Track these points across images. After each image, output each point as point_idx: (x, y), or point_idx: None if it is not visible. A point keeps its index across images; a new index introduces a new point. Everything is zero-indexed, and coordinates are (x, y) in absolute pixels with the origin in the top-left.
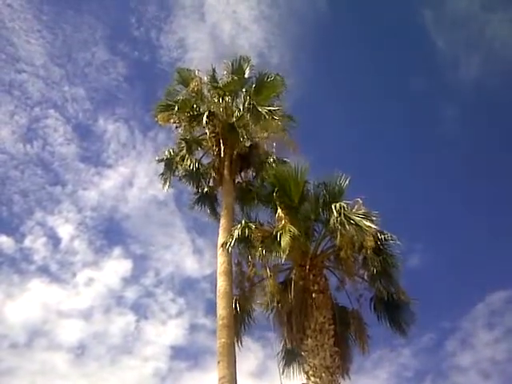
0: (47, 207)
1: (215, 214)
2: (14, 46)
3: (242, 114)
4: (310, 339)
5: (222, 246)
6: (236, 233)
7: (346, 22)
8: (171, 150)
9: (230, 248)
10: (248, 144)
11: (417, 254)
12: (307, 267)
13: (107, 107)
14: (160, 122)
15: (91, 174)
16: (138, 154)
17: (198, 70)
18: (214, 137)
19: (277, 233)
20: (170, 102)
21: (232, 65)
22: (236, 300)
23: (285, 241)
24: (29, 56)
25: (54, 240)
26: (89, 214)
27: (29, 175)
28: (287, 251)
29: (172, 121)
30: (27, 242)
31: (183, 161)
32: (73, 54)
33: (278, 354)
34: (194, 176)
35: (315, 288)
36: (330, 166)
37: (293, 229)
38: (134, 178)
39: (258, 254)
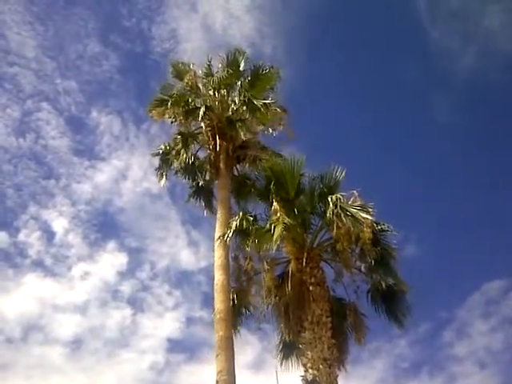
0: (41, 201)
1: (211, 208)
2: (5, 39)
3: (238, 108)
4: (307, 332)
5: (219, 238)
6: (234, 224)
7: (339, 12)
8: (167, 145)
9: (227, 239)
10: (244, 137)
11: (412, 244)
12: (304, 260)
13: (100, 99)
14: (155, 118)
15: (84, 168)
16: (131, 146)
17: (193, 64)
18: (210, 130)
19: (271, 225)
20: (165, 97)
21: (227, 57)
22: (233, 293)
23: (277, 232)
24: (20, 48)
25: (49, 234)
26: (83, 207)
27: (22, 169)
28: (278, 242)
29: (167, 116)
30: (21, 236)
31: (179, 155)
32: (65, 46)
33: (275, 346)
34: (190, 170)
35: (312, 281)
36: (325, 157)
37: (287, 220)
38: (128, 170)
39: (250, 244)
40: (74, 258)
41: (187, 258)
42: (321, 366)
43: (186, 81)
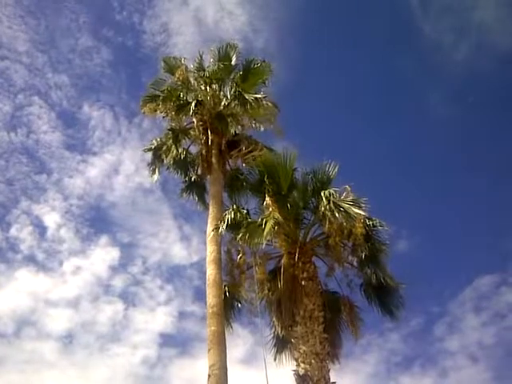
0: (33, 196)
1: (204, 203)
2: None
3: (230, 102)
4: (299, 326)
5: (213, 230)
6: (227, 217)
7: (331, 5)
8: (158, 140)
9: (222, 231)
10: (236, 132)
11: (404, 239)
12: (296, 255)
13: (91, 94)
14: (146, 113)
15: (76, 162)
16: (123, 140)
17: (184, 58)
18: (201, 125)
19: (262, 220)
20: (157, 93)
21: (218, 52)
22: (225, 287)
23: (268, 227)
24: (11, 42)
25: (41, 229)
26: (75, 202)
27: (14, 164)
28: (269, 237)
29: (159, 111)
30: (13, 231)
31: (171, 150)
32: (56, 39)
33: (266, 341)
34: (182, 165)
35: (304, 275)
36: (316, 151)
37: (277, 215)
38: (120, 165)
39: (242, 238)
40: (65, 252)
41: (179, 253)
42: (313, 361)
43: (177, 76)
